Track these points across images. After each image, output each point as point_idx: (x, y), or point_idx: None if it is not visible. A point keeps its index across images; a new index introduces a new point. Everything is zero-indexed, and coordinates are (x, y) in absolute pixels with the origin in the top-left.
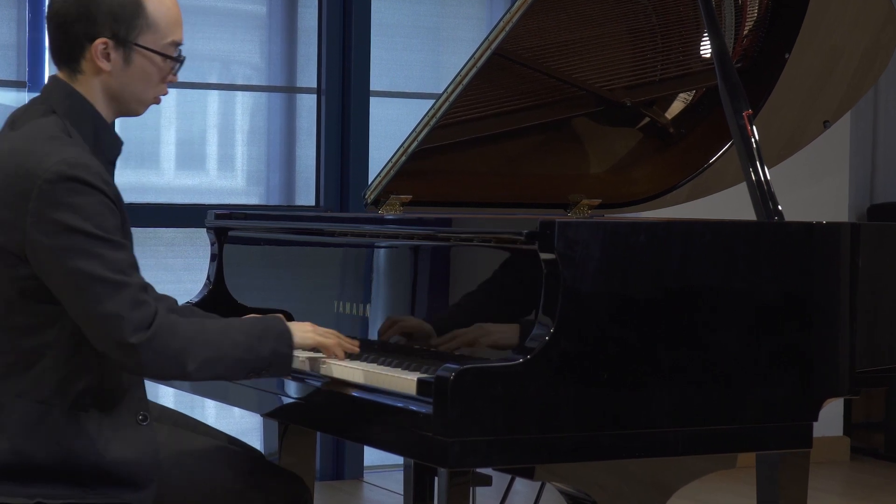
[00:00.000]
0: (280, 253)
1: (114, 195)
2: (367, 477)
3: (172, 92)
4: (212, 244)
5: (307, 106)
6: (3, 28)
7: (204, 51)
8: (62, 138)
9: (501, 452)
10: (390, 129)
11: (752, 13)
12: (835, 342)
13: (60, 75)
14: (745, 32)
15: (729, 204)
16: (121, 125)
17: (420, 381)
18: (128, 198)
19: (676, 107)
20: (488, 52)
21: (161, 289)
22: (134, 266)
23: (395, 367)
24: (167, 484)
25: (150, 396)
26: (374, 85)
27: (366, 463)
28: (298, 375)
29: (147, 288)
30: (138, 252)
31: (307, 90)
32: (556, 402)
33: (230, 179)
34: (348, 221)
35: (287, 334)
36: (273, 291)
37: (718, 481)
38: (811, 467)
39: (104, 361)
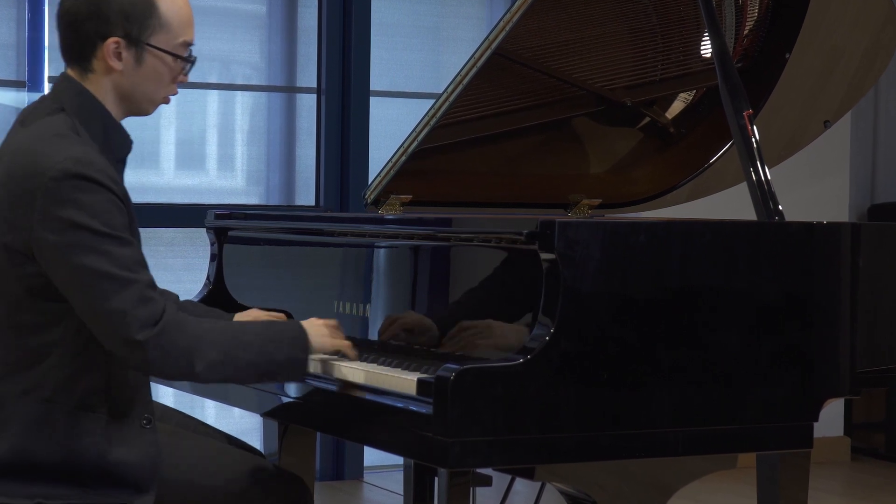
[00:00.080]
0: (280, 253)
1: (121, 193)
2: (367, 477)
3: None
4: (211, 244)
5: (307, 106)
6: (2, 28)
7: (204, 50)
8: (70, 136)
9: (502, 453)
10: (390, 129)
11: (753, 13)
12: (835, 342)
13: (70, 73)
14: (746, 32)
15: (729, 204)
16: None
17: (420, 382)
18: None
19: (677, 106)
20: (488, 51)
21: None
22: (141, 263)
23: (395, 367)
24: (168, 484)
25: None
26: (374, 85)
27: (366, 463)
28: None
29: (155, 285)
30: None
31: (307, 90)
32: (556, 402)
33: (230, 179)
34: (348, 221)
35: (303, 339)
36: (273, 291)
37: (719, 482)
38: (812, 467)
39: (111, 361)
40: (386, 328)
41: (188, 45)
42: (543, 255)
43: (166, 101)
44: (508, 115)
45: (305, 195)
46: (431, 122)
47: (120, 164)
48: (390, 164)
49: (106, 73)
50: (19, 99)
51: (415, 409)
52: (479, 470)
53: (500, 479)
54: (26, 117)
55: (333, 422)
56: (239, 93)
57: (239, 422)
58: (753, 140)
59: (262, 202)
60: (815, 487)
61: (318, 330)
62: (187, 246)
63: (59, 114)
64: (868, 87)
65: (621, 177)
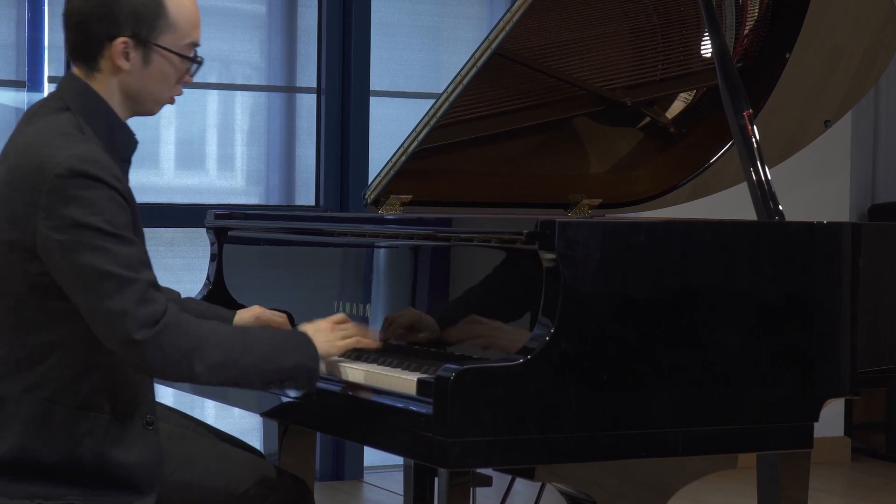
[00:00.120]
0: (280, 253)
1: (125, 192)
2: (367, 477)
3: None
4: (211, 244)
5: (307, 106)
6: (2, 28)
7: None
8: (75, 135)
9: (502, 453)
10: (390, 129)
11: (753, 13)
12: (836, 342)
13: (77, 72)
14: (746, 32)
15: (729, 204)
16: None
17: (420, 382)
18: None
19: (677, 106)
20: (488, 51)
21: None
22: (144, 263)
23: (395, 367)
24: (168, 485)
25: None
26: (374, 85)
27: (366, 463)
28: None
29: (157, 285)
30: None
31: (307, 90)
32: (556, 402)
33: (230, 179)
34: (348, 221)
35: (311, 346)
36: (273, 291)
37: (719, 482)
38: (812, 468)
39: (114, 362)
40: (386, 327)
41: (194, 45)
42: (543, 255)
43: (171, 102)
44: (508, 115)
45: (305, 195)
46: (431, 122)
47: (125, 163)
48: (390, 164)
49: (113, 73)
50: (19, 99)
51: (415, 409)
52: (479, 470)
53: (500, 479)
54: (31, 116)
55: (333, 422)
56: (239, 93)
57: (239, 422)
58: (754, 140)
59: (262, 202)
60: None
61: (323, 336)
62: (187, 246)
63: (65, 112)
64: (869, 87)
65: (621, 177)
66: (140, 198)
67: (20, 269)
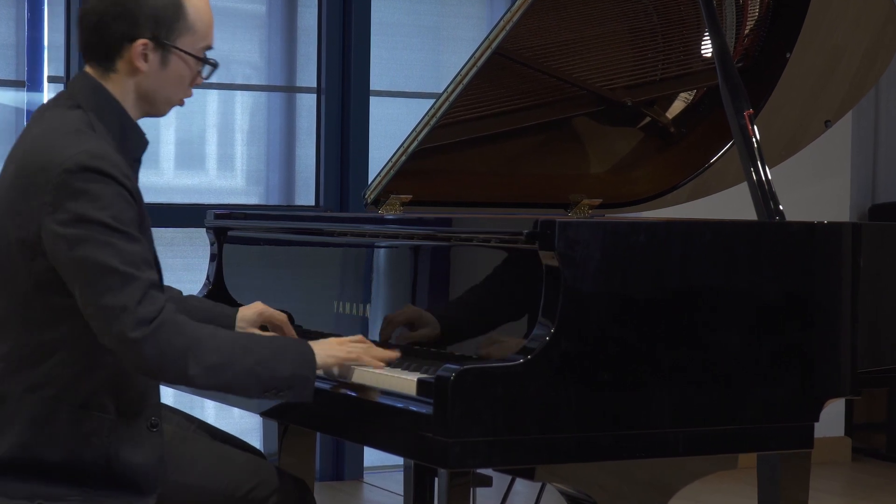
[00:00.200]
0: (280, 253)
1: (134, 189)
2: (367, 478)
3: None
4: (211, 244)
5: (307, 105)
6: (1, 27)
7: None
8: (86, 132)
9: (502, 453)
10: (390, 129)
11: (754, 12)
12: (836, 342)
13: (90, 72)
14: (747, 32)
15: (730, 204)
16: None
17: (420, 382)
18: None
19: (677, 106)
20: (489, 51)
21: None
22: (147, 262)
23: (395, 367)
24: (169, 487)
25: None
26: (374, 84)
27: (366, 463)
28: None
29: (158, 285)
30: None
31: (307, 90)
32: (556, 402)
33: (230, 179)
34: (348, 221)
35: (310, 356)
36: (273, 291)
37: (719, 482)
38: (812, 468)
39: (118, 362)
40: (385, 328)
41: (209, 48)
42: (544, 255)
43: (181, 104)
44: (508, 115)
45: (305, 195)
46: (431, 122)
47: (136, 163)
48: (390, 164)
49: (130, 74)
50: (18, 99)
51: (415, 409)
52: (479, 470)
53: (500, 479)
54: (42, 114)
55: (333, 422)
56: (239, 92)
57: (239, 422)
58: (754, 140)
59: (262, 202)
60: (816, 488)
61: (326, 347)
62: (187, 246)
63: (76, 110)
64: (869, 87)
65: (621, 177)
66: None
67: (25, 266)
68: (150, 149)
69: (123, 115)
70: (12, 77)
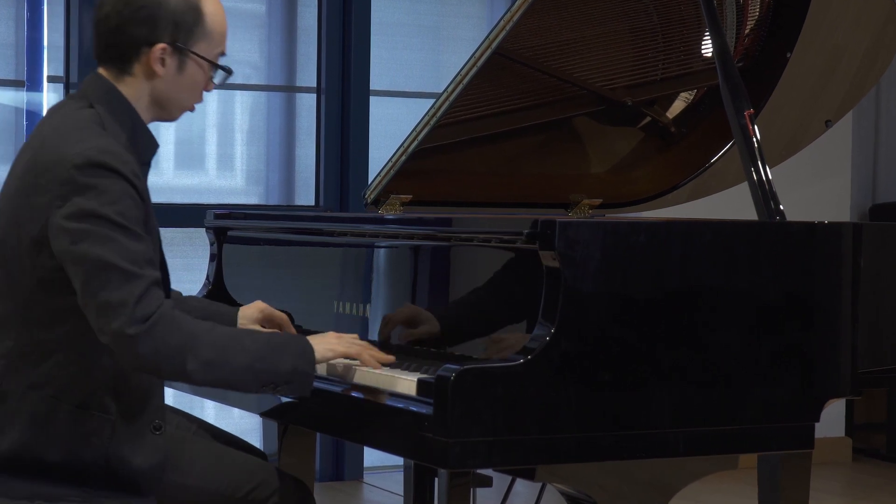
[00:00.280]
0: (280, 253)
1: (141, 189)
2: (366, 478)
3: None
4: (211, 244)
5: (307, 105)
6: (1, 27)
7: None
8: (96, 129)
9: (502, 453)
10: (390, 129)
11: (754, 12)
12: (836, 342)
13: (104, 73)
14: (747, 31)
15: (730, 204)
16: None
17: (420, 382)
18: None
19: (678, 106)
20: (489, 51)
21: None
22: (151, 262)
23: (395, 367)
24: (168, 487)
25: None
26: (374, 84)
27: (366, 464)
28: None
29: (160, 284)
30: None
31: (307, 89)
32: (556, 402)
33: (229, 179)
34: (348, 221)
35: (309, 351)
36: (273, 291)
37: (719, 482)
38: (813, 468)
39: (118, 363)
40: (383, 328)
41: (222, 55)
42: (544, 255)
43: (192, 110)
44: (509, 115)
45: (305, 195)
46: (431, 122)
47: (145, 166)
48: (390, 164)
49: (147, 78)
50: (18, 98)
51: (415, 409)
52: (479, 471)
53: (500, 479)
54: (55, 112)
55: (333, 422)
56: (238, 92)
57: (238, 422)
58: (754, 140)
59: (262, 202)
60: (816, 488)
61: (325, 342)
62: (187, 246)
63: (89, 109)
64: (870, 87)
65: (622, 177)
66: None
67: (30, 262)
68: None
69: (135, 117)
70: (12, 77)
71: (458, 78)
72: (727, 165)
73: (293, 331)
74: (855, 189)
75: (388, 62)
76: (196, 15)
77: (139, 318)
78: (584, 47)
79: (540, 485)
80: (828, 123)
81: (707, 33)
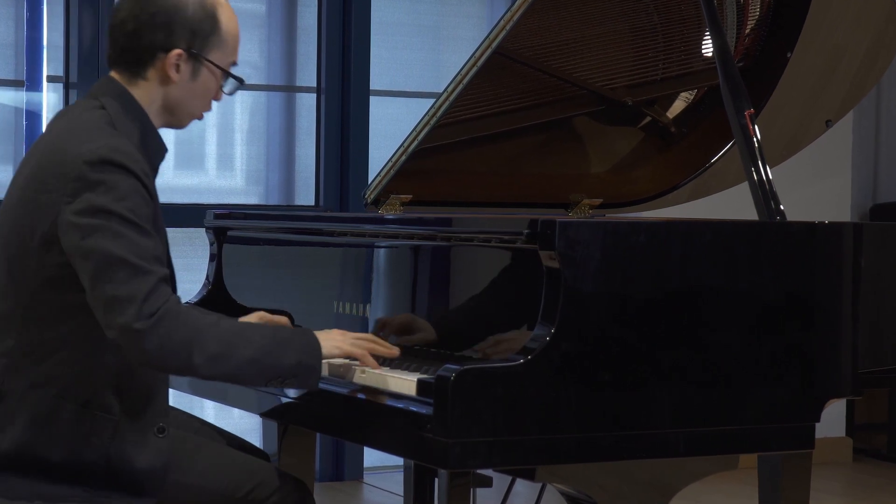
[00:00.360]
0: (280, 253)
1: (151, 187)
2: (366, 478)
3: None
4: (211, 244)
5: (307, 105)
6: (0, 27)
7: None
8: (108, 130)
9: (502, 453)
10: (390, 129)
11: (754, 12)
12: (837, 342)
13: (116, 77)
14: (747, 31)
15: (730, 204)
16: None
17: (420, 382)
18: None
19: (678, 106)
20: (489, 51)
21: None
22: (159, 259)
23: (395, 367)
24: (168, 487)
25: None
26: (374, 84)
27: (366, 464)
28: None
29: (167, 281)
30: None
31: (307, 89)
32: (556, 402)
33: (229, 179)
34: (348, 221)
35: (315, 345)
36: (273, 291)
37: (720, 482)
38: (813, 468)
39: (122, 362)
40: (380, 330)
41: (234, 65)
42: (544, 255)
43: (200, 118)
44: (509, 115)
45: (305, 195)
46: (432, 122)
47: (153, 171)
48: (390, 164)
49: (161, 84)
50: (18, 98)
51: (415, 409)
52: (479, 471)
53: (500, 479)
54: (66, 112)
55: (333, 422)
56: (238, 92)
57: (238, 422)
58: (755, 139)
59: (262, 202)
60: (817, 488)
61: (331, 338)
62: (186, 246)
63: (100, 110)
64: (870, 87)
65: (622, 176)
66: None
67: (38, 260)
68: None
69: (146, 121)
70: (11, 77)
71: (458, 78)
72: (727, 165)
73: None
74: (855, 189)
75: (388, 62)
76: (213, 23)
77: (147, 313)
78: (585, 47)
79: (540, 485)
80: (828, 123)
81: (707, 33)
